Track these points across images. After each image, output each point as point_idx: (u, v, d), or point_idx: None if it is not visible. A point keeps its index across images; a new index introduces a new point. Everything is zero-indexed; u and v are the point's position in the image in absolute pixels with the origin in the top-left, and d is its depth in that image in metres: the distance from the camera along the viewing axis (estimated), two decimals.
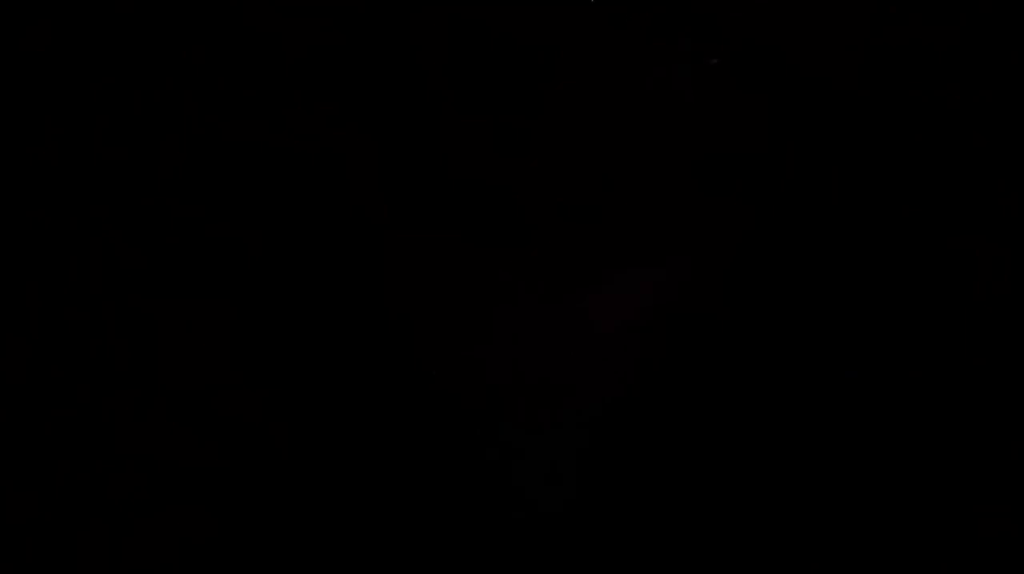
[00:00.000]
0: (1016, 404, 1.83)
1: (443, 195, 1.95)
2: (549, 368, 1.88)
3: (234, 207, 1.88)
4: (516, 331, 1.90)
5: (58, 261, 1.84)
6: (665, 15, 1.99)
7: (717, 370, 1.88)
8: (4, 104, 1.88)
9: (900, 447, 1.83)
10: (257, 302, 1.86)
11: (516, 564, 1.80)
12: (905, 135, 1.94)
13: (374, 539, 1.80)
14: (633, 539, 1.82)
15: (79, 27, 1.90)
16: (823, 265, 1.92)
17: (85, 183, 1.87)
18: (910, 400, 1.85)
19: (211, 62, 1.92)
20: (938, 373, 1.85)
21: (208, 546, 1.76)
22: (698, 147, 1.99)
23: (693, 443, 1.86)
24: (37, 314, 1.81)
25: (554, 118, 1.98)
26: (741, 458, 1.84)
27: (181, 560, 1.75)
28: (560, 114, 1.98)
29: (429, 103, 1.98)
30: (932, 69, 1.96)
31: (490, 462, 1.84)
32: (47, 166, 1.87)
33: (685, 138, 1.99)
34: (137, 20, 1.91)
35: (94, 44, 1.91)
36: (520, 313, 1.91)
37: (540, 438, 1.85)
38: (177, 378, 1.82)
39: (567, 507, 1.82)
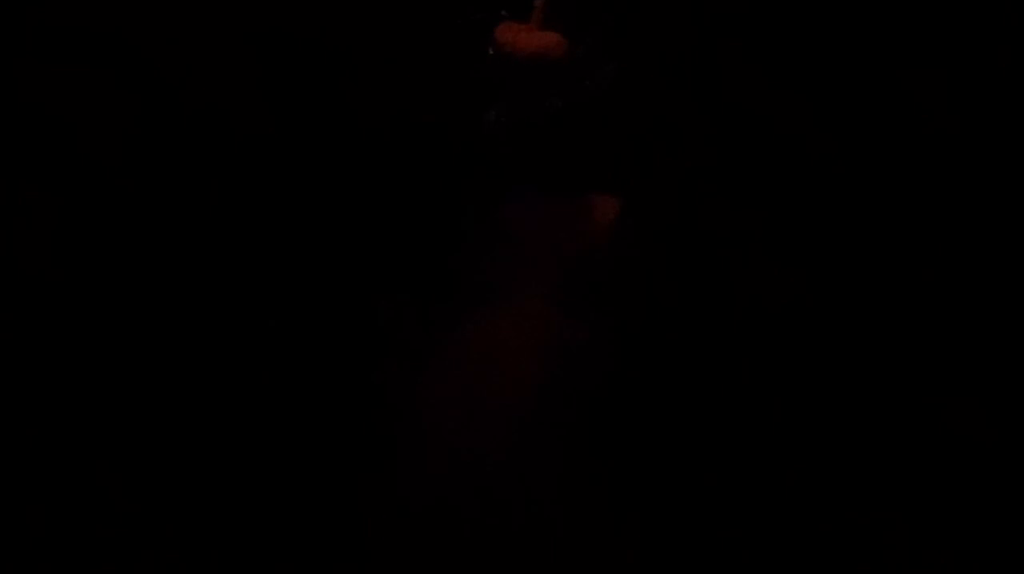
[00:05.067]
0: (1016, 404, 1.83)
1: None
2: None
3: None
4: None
5: None
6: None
7: (717, 370, 1.88)
8: None
9: (900, 446, 1.83)
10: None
11: (509, 562, 1.79)
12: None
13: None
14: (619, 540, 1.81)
15: None
16: (824, 264, 1.92)
17: None
18: (911, 399, 1.85)
19: None
20: (939, 372, 1.86)
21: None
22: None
23: (692, 442, 1.85)
24: None
25: None
26: (740, 458, 1.84)
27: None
28: None
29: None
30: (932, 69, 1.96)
31: (477, 461, 1.82)
32: None
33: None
34: None
35: None
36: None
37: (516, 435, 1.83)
38: None
39: (541, 508, 1.80)
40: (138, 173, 1.88)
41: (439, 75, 1.91)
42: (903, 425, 1.82)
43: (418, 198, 1.91)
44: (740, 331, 1.88)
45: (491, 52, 1.84)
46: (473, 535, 1.75)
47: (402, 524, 1.75)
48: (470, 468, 1.78)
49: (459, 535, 1.75)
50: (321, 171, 1.91)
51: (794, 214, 1.93)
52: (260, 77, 1.92)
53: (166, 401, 1.79)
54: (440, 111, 1.91)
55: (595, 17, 1.89)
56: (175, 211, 1.87)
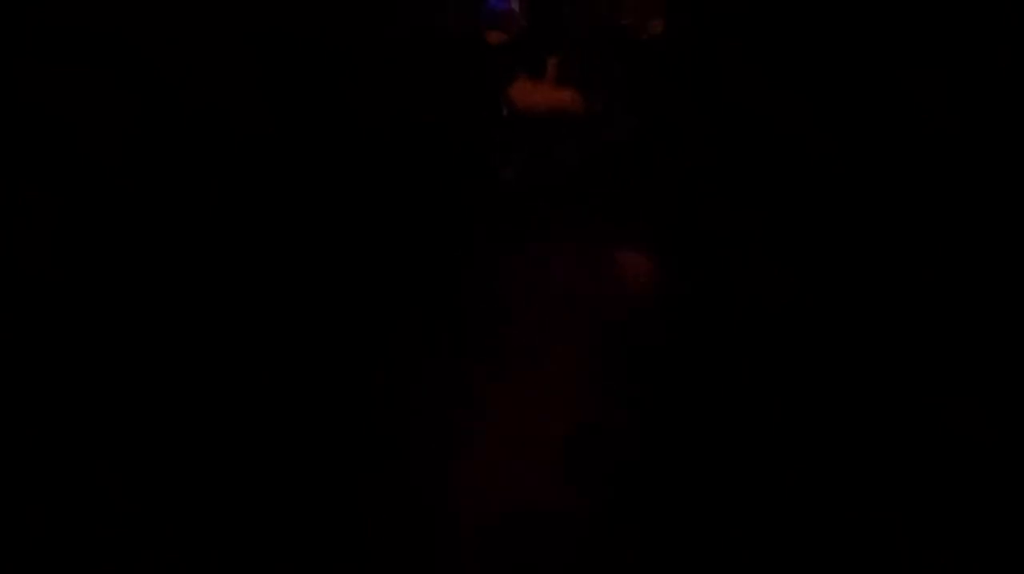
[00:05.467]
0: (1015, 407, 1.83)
1: None
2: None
3: None
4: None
5: None
6: None
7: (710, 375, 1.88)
8: None
9: (901, 446, 1.83)
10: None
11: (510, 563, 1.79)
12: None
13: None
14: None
15: None
16: (824, 264, 1.92)
17: None
18: (911, 399, 1.85)
19: None
20: (939, 372, 1.85)
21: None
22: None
23: (693, 442, 1.85)
24: None
25: None
26: (740, 458, 1.84)
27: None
28: None
29: None
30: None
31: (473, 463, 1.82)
32: None
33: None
34: None
35: None
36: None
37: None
38: None
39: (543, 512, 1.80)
40: (138, 173, 1.88)
41: (441, 77, 1.91)
42: (903, 425, 1.82)
43: (422, 205, 1.92)
44: (740, 331, 1.88)
45: (507, 112, 1.87)
46: (472, 538, 1.75)
47: (403, 526, 1.75)
48: (473, 480, 1.79)
49: (458, 538, 1.75)
50: (321, 172, 1.91)
51: (794, 214, 1.93)
52: (260, 77, 1.92)
53: (166, 401, 1.79)
54: (441, 112, 1.91)
55: (609, 71, 1.91)
56: (175, 211, 1.87)
